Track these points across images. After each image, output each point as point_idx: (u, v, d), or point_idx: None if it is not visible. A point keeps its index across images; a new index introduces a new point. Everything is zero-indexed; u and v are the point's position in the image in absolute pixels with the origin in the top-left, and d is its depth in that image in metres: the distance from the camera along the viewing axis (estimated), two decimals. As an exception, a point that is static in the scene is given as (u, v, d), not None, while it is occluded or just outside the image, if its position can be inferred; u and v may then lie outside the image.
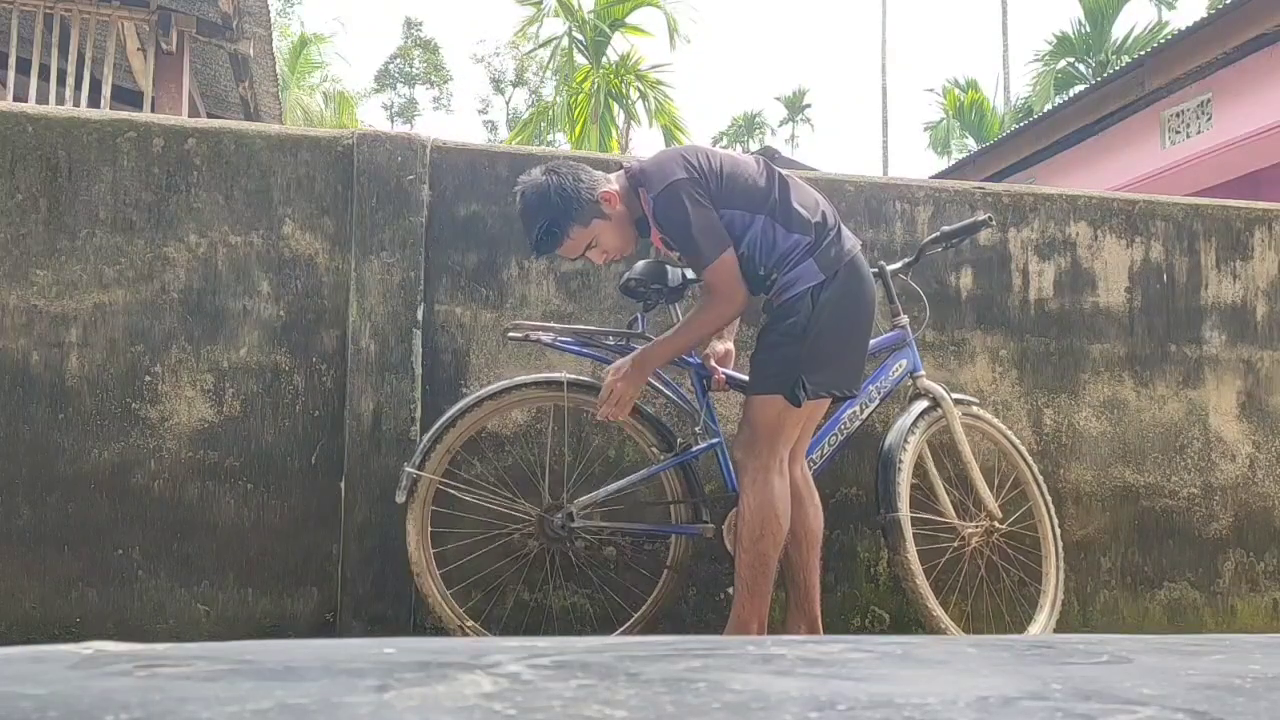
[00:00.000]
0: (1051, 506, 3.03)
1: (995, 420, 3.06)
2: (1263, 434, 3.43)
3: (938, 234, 2.96)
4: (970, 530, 2.90)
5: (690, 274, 2.69)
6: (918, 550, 2.78)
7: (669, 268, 2.69)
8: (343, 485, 2.83)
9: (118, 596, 2.75)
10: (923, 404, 2.87)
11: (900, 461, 2.78)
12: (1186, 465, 3.37)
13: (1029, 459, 3.04)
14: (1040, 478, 3.05)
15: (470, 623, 2.65)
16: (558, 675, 0.77)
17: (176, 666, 0.77)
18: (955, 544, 2.93)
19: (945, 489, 2.89)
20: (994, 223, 3.10)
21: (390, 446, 2.81)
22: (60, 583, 2.74)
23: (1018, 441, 3.06)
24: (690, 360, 2.73)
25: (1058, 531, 3.02)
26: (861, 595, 3.05)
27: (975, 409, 2.99)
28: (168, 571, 2.78)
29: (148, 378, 2.82)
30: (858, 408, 2.85)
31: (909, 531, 2.73)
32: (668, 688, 0.73)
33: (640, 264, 2.72)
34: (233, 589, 2.80)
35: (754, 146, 34.06)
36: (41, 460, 2.75)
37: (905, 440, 2.81)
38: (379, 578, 2.79)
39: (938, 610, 2.73)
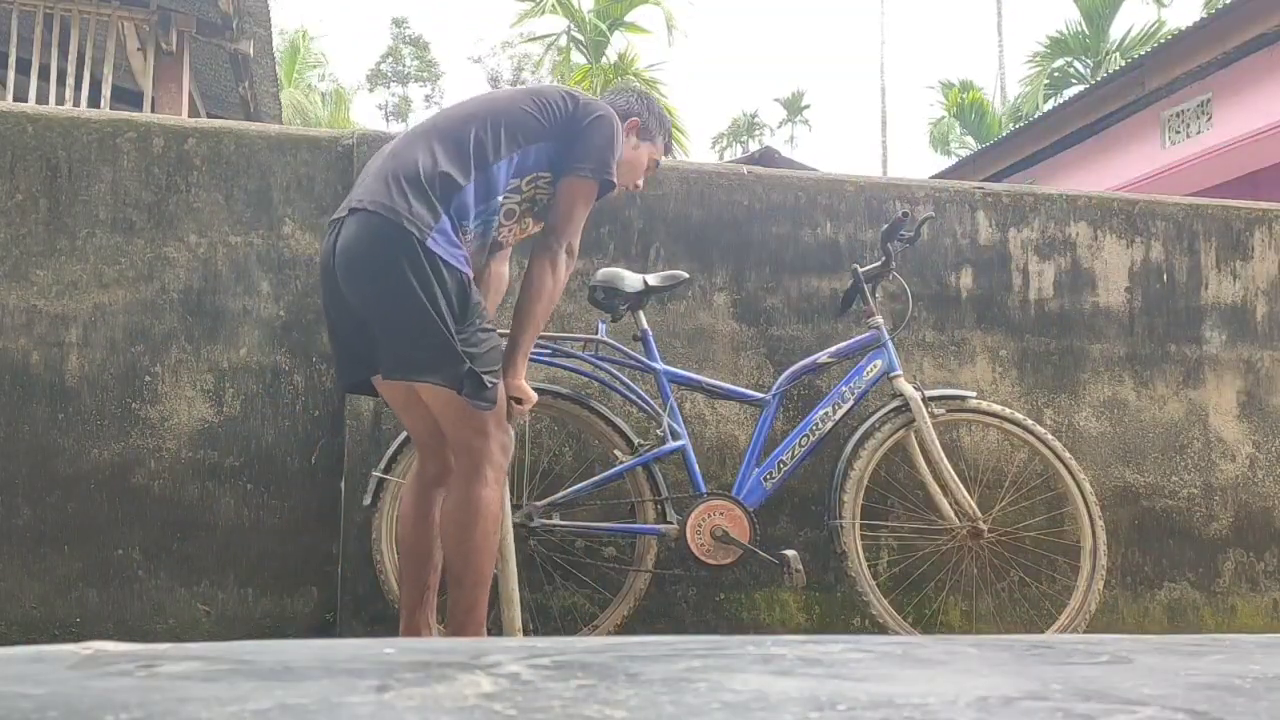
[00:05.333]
0: (1087, 493, 2.89)
1: (999, 408, 2.97)
2: (1263, 434, 3.43)
3: (884, 229, 2.95)
4: (949, 529, 2.88)
5: (651, 279, 2.75)
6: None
7: (625, 274, 2.73)
8: (343, 485, 2.83)
9: (118, 596, 2.75)
10: (890, 407, 2.88)
11: (850, 468, 2.82)
12: (1186, 465, 3.37)
13: (1045, 437, 2.93)
14: (1062, 451, 2.92)
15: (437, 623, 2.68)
16: (558, 675, 0.77)
17: (176, 666, 0.77)
18: (941, 543, 2.94)
19: (952, 485, 2.87)
20: (929, 215, 3.08)
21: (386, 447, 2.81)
22: (60, 583, 2.73)
23: (1039, 429, 2.95)
24: (654, 365, 2.77)
25: (1095, 527, 2.87)
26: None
27: (972, 402, 2.95)
28: (168, 571, 2.78)
29: (148, 378, 2.82)
30: (830, 408, 2.86)
31: (853, 538, 2.78)
32: (668, 688, 0.73)
33: (600, 272, 2.77)
34: (233, 589, 2.80)
35: (753, 147, 34.07)
36: (41, 460, 2.75)
37: (860, 446, 2.84)
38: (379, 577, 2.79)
39: (884, 614, 2.77)
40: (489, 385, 2.13)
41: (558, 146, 2.25)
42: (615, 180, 2.28)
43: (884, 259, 2.93)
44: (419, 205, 2.08)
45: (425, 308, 2.06)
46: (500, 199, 2.20)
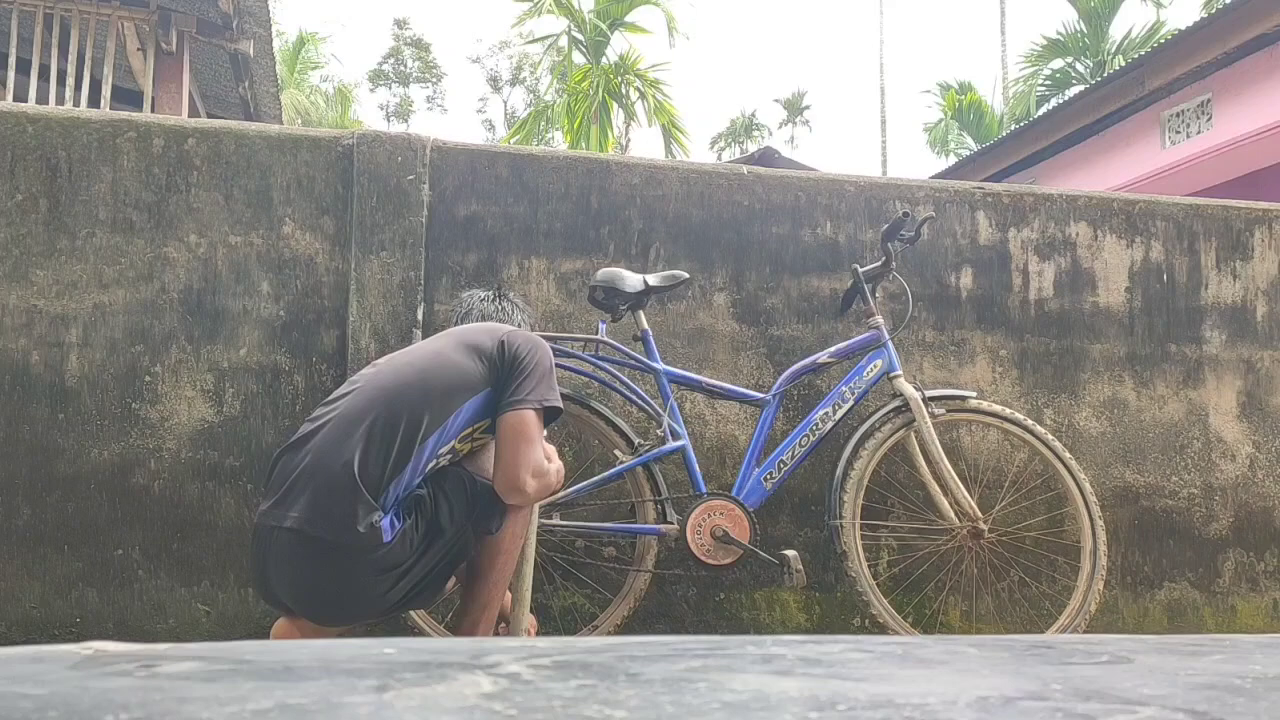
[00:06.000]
0: (1087, 493, 2.89)
1: (999, 408, 2.96)
2: (1263, 434, 3.43)
3: (885, 229, 2.95)
4: (949, 529, 2.88)
5: (651, 279, 2.74)
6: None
7: (625, 274, 2.73)
8: (343, 485, 2.83)
9: (118, 596, 2.75)
10: (890, 407, 2.88)
11: (850, 468, 2.82)
12: (1186, 465, 3.37)
13: (1044, 437, 2.92)
14: (1062, 451, 2.92)
15: (436, 624, 2.68)
16: (558, 675, 0.77)
17: (176, 666, 0.77)
18: (941, 543, 2.94)
19: (952, 485, 2.86)
20: (929, 215, 3.09)
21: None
22: (60, 583, 2.73)
23: (1039, 429, 2.95)
24: (654, 365, 2.77)
25: (1095, 528, 2.86)
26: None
27: (972, 402, 2.95)
28: (168, 571, 2.78)
29: (148, 378, 2.82)
30: (830, 408, 2.87)
31: (853, 538, 2.77)
32: (668, 688, 0.73)
33: (601, 272, 2.77)
34: (233, 589, 2.80)
35: (751, 148, 34.06)
36: (41, 460, 2.75)
37: (860, 446, 2.84)
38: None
39: (884, 614, 2.77)
40: (493, 506, 2.18)
41: (492, 393, 2.17)
42: (560, 404, 2.20)
43: (884, 259, 2.93)
44: (363, 514, 1.99)
45: (420, 569, 2.10)
46: (435, 461, 2.13)
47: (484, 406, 2.17)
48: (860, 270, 2.94)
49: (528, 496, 2.16)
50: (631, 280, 2.74)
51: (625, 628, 2.74)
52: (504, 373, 2.17)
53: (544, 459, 2.17)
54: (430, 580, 2.14)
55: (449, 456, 2.18)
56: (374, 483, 2.01)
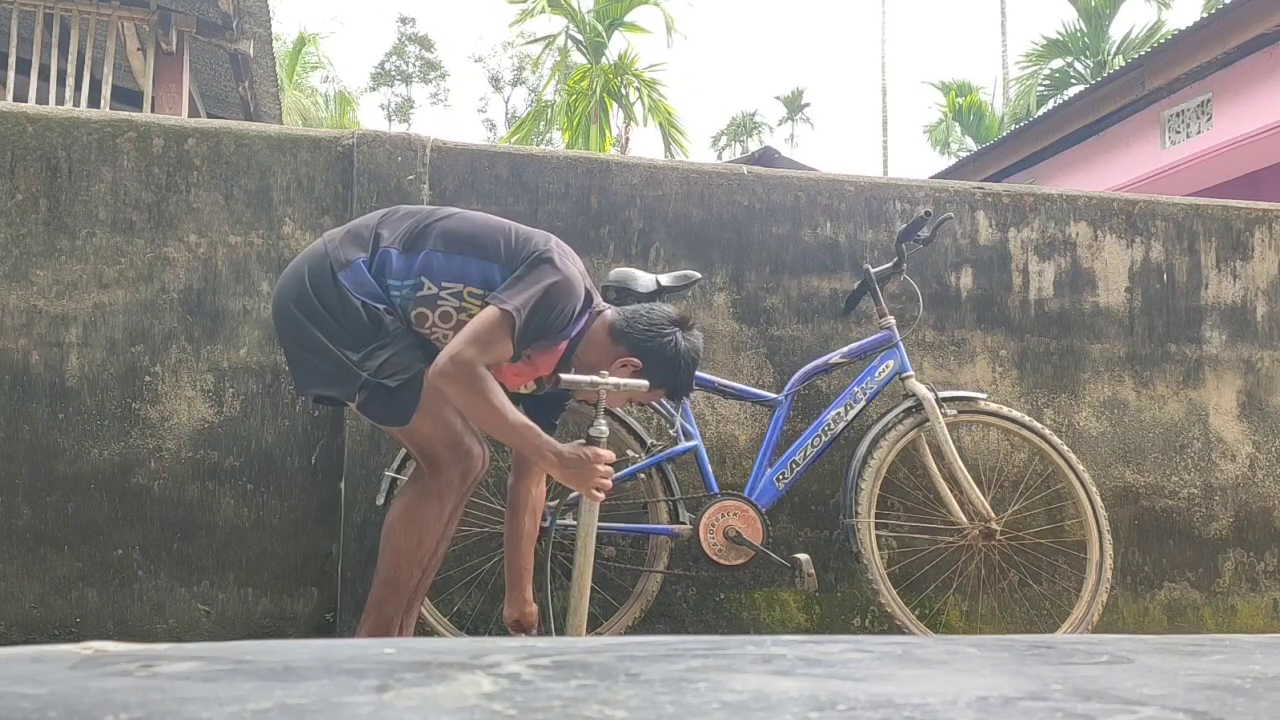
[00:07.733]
0: (1097, 505, 2.90)
1: (1013, 412, 2.97)
2: (1263, 434, 3.43)
3: (902, 229, 2.96)
4: (961, 530, 2.88)
5: (664, 280, 2.73)
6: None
7: (639, 274, 2.73)
8: (342, 485, 2.83)
9: (118, 596, 2.75)
10: (903, 407, 2.87)
11: (866, 467, 2.81)
12: (1186, 465, 3.37)
13: (1059, 446, 2.93)
14: (1075, 463, 2.92)
15: (444, 619, 2.68)
16: (558, 675, 0.77)
17: (176, 666, 0.77)
18: (954, 544, 2.94)
19: (965, 486, 2.86)
20: (948, 215, 3.08)
21: (390, 447, 2.81)
22: (60, 583, 2.73)
23: (1045, 431, 2.96)
24: None
25: (1103, 540, 2.87)
26: (861, 595, 3.05)
27: (984, 404, 2.94)
28: (168, 571, 2.78)
29: (148, 378, 2.82)
30: (842, 409, 2.86)
31: (869, 536, 2.76)
32: (668, 688, 0.73)
33: (614, 272, 2.76)
34: (233, 589, 2.80)
35: (753, 146, 34.05)
36: (41, 460, 2.75)
37: (874, 445, 2.83)
38: (379, 578, 2.79)
39: (900, 613, 2.76)
40: (392, 393, 2.12)
41: (502, 270, 2.18)
42: (517, 317, 2.09)
43: (897, 259, 2.93)
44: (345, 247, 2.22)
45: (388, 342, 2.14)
46: (424, 282, 2.17)
47: (482, 275, 2.18)
48: (873, 270, 2.94)
49: (444, 373, 2.06)
50: (644, 280, 2.73)
51: (636, 629, 2.74)
52: (514, 263, 2.18)
53: (479, 363, 2.06)
54: (399, 354, 2.12)
55: (442, 306, 2.17)
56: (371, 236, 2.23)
